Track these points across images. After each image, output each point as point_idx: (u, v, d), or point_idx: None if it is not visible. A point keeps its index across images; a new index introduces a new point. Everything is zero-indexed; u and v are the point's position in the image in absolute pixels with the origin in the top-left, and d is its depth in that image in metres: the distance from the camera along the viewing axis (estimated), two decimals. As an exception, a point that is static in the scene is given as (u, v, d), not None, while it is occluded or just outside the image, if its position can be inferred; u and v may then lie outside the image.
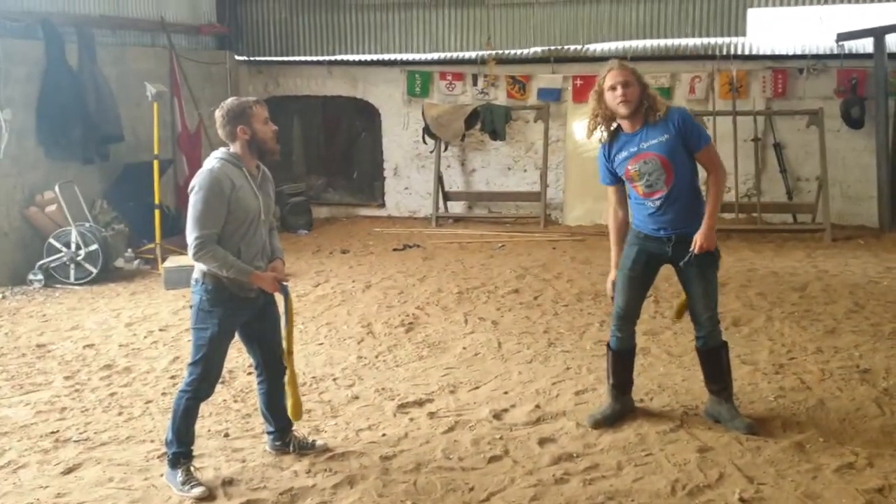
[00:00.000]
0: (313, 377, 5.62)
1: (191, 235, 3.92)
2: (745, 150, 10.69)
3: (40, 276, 8.52)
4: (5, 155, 8.41)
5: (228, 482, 4.14)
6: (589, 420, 4.75)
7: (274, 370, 4.35)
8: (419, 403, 5.15)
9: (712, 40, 11.15)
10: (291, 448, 4.43)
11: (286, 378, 4.29)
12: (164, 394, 5.37)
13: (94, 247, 8.60)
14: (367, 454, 4.42)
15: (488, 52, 11.69)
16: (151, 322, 7.12)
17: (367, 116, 12.86)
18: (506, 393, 5.30)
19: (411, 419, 4.91)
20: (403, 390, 5.38)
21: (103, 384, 5.59)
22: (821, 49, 10.84)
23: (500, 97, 11.82)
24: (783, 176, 10.99)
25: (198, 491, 4.00)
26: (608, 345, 4.86)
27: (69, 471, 4.30)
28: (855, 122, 10.63)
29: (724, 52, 11.01)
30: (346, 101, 12.81)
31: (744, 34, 11.02)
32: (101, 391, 5.45)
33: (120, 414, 5.06)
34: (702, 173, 4.57)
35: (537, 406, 5.03)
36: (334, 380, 5.61)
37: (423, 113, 11.70)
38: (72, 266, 8.59)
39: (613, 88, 4.40)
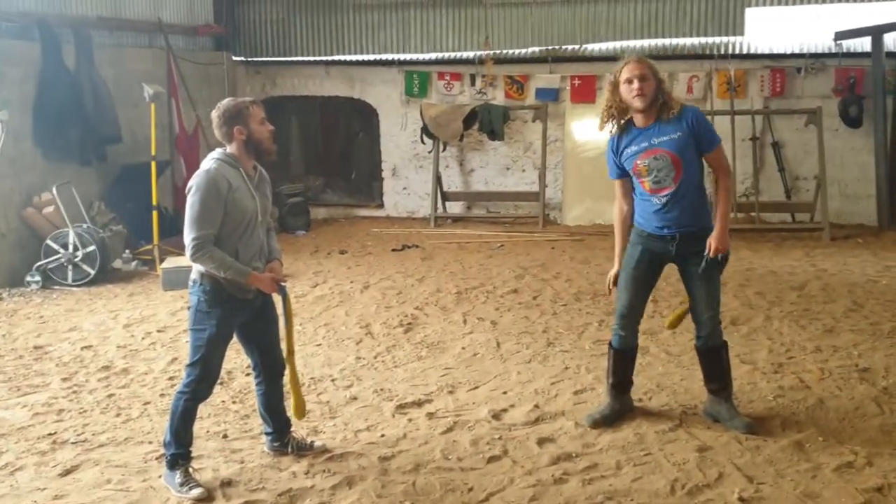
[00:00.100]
0: (311, 378, 5.61)
1: (188, 236, 3.91)
2: (744, 149, 10.69)
3: (38, 278, 8.51)
4: (2, 156, 8.38)
5: (227, 483, 4.13)
6: (588, 420, 4.74)
7: (272, 371, 4.34)
8: (418, 404, 5.14)
9: (710, 40, 11.15)
10: (290, 449, 4.42)
11: (288, 377, 4.29)
12: (162, 395, 5.36)
13: (91, 248, 8.58)
14: (366, 455, 4.42)
15: (486, 52, 11.68)
16: (149, 323, 7.11)
17: (364, 117, 12.85)
18: (505, 393, 5.29)
19: (410, 420, 4.90)
20: (402, 391, 5.38)
21: (101, 385, 5.58)
22: (819, 48, 10.84)
23: (498, 97, 11.81)
24: (781, 175, 10.99)
25: (196, 492, 3.99)
26: (610, 343, 4.84)
27: (67, 472, 4.28)
28: (853, 121, 10.64)
29: (722, 52, 11.01)
30: (344, 102, 12.80)
31: (742, 33, 11.03)
32: (99, 393, 5.44)
33: (118, 415, 5.05)
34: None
35: (536, 406, 5.03)
36: (333, 381, 5.60)
37: (421, 113, 11.69)
38: (69, 267, 8.57)
39: (630, 81, 4.36)
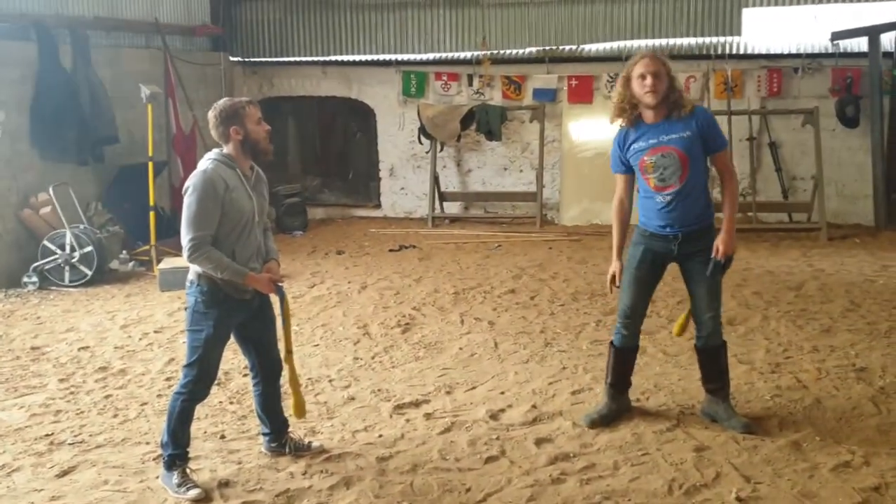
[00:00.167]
0: (309, 378, 5.60)
1: (185, 237, 3.90)
2: (741, 149, 10.70)
3: (35, 279, 8.49)
4: (-1, 157, 8.39)
5: (224, 484, 4.13)
6: (585, 420, 4.74)
7: (270, 372, 4.34)
8: (415, 404, 5.14)
9: (707, 40, 11.16)
10: (287, 449, 4.42)
11: (287, 377, 4.29)
12: (159, 396, 5.35)
13: (88, 249, 8.57)
14: (364, 455, 4.41)
15: (483, 52, 11.68)
16: (146, 324, 7.10)
17: (362, 117, 12.83)
18: (502, 393, 5.29)
19: (407, 420, 4.90)
20: (400, 391, 5.37)
21: (98, 386, 5.57)
22: (815, 48, 10.85)
23: (495, 97, 11.81)
24: (778, 175, 11.00)
25: (194, 493, 3.99)
26: (611, 342, 4.83)
27: (64, 474, 4.28)
28: (850, 121, 10.64)
29: (719, 52, 11.01)
30: (342, 102, 12.78)
31: (739, 33, 11.03)
32: (96, 393, 5.44)
33: (115, 416, 5.05)
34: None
35: (534, 406, 5.03)
36: (330, 381, 5.60)
37: (418, 113, 11.68)
38: (66, 268, 8.56)
39: (643, 77, 4.35)
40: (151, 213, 9.15)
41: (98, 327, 7.03)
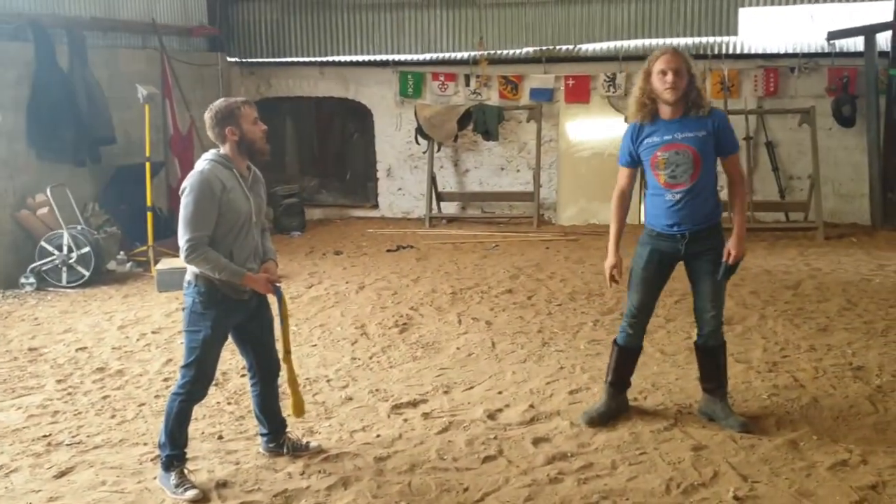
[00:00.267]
0: (307, 378, 5.60)
1: (182, 238, 3.90)
2: (738, 148, 10.71)
3: (32, 280, 8.48)
4: (-4, 157, 8.38)
5: (222, 484, 4.13)
6: (583, 417, 4.75)
7: (267, 372, 4.34)
8: (413, 404, 5.14)
9: (704, 39, 11.18)
10: (285, 450, 4.42)
11: (286, 377, 4.29)
12: (157, 396, 5.35)
13: (86, 249, 8.56)
14: (362, 455, 4.41)
15: (480, 52, 11.69)
16: (144, 325, 7.09)
17: (359, 117, 12.84)
18: (500, 393, 5.29)
19: (405, 420, 4.90)
20: (397, 391, 5.37)
21: (96, 387, 5.57)
22: (812, 47, 10.87)
23: (492, 97, 11.81)
24: (775, 174, 11.01)
25: (191, 493, 3.98)
26: (615, 340, 4.83)
27: (62, 474, 4.28)
28: (846, 121, 10.66)
29: (716, 51, 11.02)
30: (339, 102, 12.79)
31: (735, 33, 11.05)
32: (94, 394, 5.43)
33: (113, 417, 5.04)
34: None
35: (531, 406, 5.03)
36: (328, 381, 5.60)
37: (415, 114, 11.69)
38: (64, 269, 8.55)
39: (664, 73, 4.33)
40: (149, 214, 9.13)
41: (96, 328, 7.02)
